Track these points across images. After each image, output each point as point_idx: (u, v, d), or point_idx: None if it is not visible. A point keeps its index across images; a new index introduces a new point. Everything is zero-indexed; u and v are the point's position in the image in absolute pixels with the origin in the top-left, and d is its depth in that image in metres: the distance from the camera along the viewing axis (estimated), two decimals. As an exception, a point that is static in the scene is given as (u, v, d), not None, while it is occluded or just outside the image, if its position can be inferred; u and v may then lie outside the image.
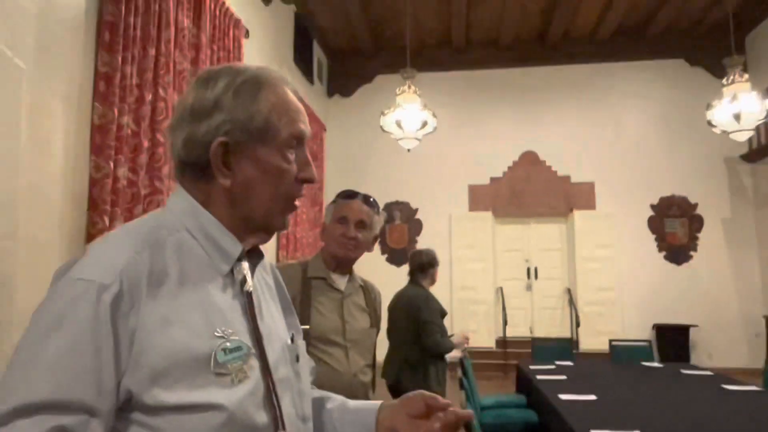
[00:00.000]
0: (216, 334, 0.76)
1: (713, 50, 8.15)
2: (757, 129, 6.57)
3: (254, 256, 0.90)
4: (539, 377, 3.96)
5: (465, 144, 9.11)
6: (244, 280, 0.84)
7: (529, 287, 9.12)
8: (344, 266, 1.90)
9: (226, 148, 0.82)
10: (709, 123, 6.07)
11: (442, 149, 8.81)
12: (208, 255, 0.82)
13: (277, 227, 0.88)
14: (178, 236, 0.81)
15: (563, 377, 3.98)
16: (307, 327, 1.74)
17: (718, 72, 7.14)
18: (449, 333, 3.54)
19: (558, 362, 4.74)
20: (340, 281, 1.90)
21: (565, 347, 5.40)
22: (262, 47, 6.35)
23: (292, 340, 0.92)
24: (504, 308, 8.63)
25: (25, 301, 2.36)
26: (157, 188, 3.72)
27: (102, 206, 3.28)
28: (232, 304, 0.81)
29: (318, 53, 8.88)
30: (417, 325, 3.32)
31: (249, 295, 0.83)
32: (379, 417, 0.94)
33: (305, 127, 0.87)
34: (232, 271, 0.83)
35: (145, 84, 3.67)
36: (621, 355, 5.17)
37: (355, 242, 1.83)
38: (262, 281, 0.93)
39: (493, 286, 8.97)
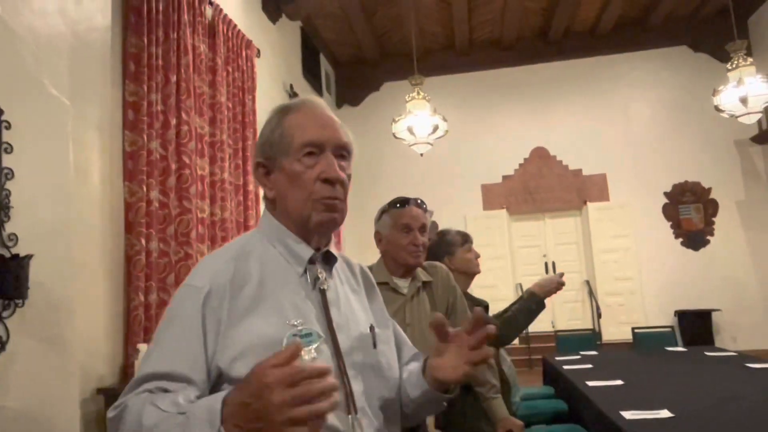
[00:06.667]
0: (288, 323, 0.92)
1: (716, 35, 8.18)
2: (766, 111, 6.60)
3: (331, 258, 1.04)
4: (566, 367, 4.05)
5: (475, 144, 9.22)
6: (317, 279, 0.99)
7: (548, 282, 9.16)
8: (411, 271, 1.93)
9: (265, 167, 1.00)
10: (717, 108, 6.13)
11: (452, 151, 8.92)
12: (286, 260, 0.99)
13: (317, 224, 0.97)
14: (262, 248, 0.99)
15: (589, 366, 4.07)
16: None
17: (723, 56, 7.18)
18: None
19: (582, 352, 4.82)
20: (403, 285, 1.93)
21: (589, 338, 5.47)
22: (273, 64, 6.53)
23: (371, 329, 1.04)
24: (525, 304, 8.67)
25: (82, 319, 2.53)
26: (186, 208, 3.88)
27: (138, 228, 3.45)
28: (306, 300, 0.97)
29: (325, 65, 9.06)
30: None
31: (323, 291, 0.98)
32: (425, 371, 1.04)
33: (319, 133, 0.98)
34: (306, 272, 0.99)
35: (169, 109, 3.84)
36: (644, 342, 5.23)
37: (423, 247, 1.88)
38: (344, 279, 1.07)
39: (512, 282, 9.05)
